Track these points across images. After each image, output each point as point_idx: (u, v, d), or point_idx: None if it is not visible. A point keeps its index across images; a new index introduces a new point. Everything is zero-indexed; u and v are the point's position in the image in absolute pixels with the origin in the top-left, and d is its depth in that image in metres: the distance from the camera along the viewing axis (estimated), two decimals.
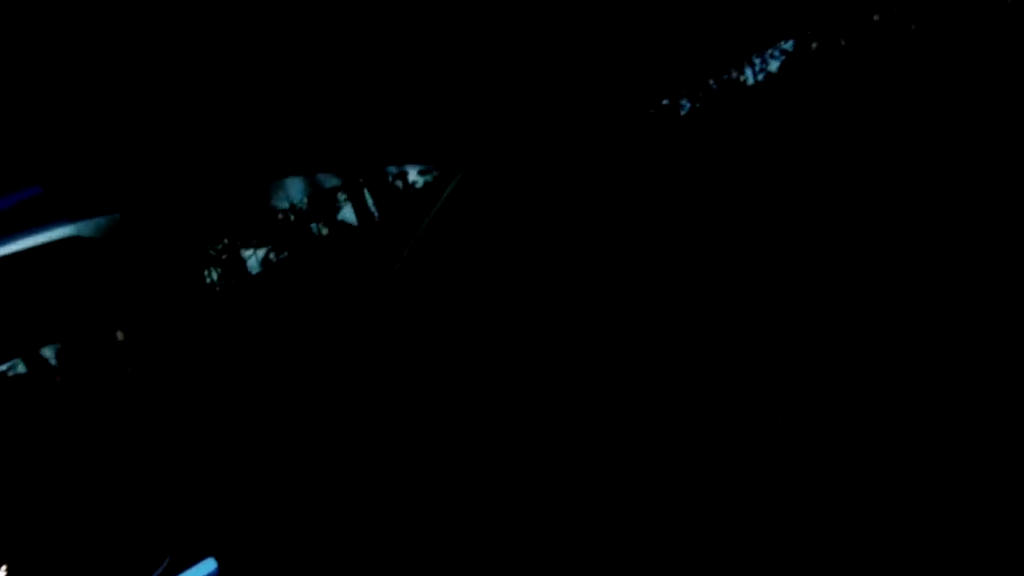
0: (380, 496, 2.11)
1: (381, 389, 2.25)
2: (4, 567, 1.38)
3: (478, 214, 2.47)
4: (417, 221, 2.37)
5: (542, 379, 2.36)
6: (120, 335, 2.23)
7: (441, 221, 2.44)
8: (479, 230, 2.49)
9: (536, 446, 2.17)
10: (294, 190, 4.28)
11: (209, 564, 1.65)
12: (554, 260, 2.52)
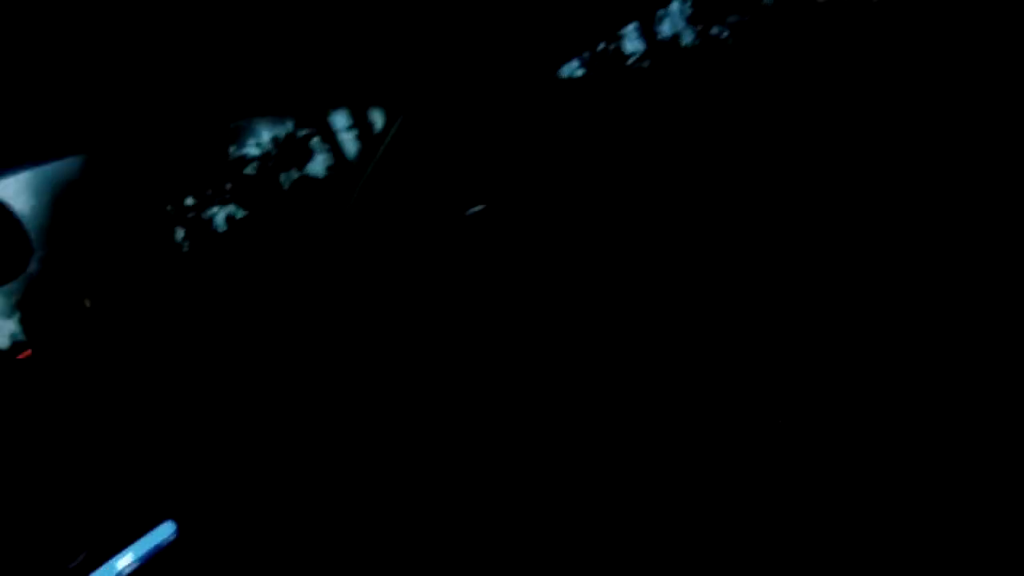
0: (356, 456, 2.05)
1: (348, 345, 2.20)
2: None
3: (423, 154, 2.44)
4: (367, 160, 2.29)
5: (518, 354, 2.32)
6: (87, 302, 2.07)
7: (389, 160, 2.40)
8: (425, 169, 2.46)
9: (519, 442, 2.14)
10: (263, 135, 4.04)
11: (168, 527, 1.59)
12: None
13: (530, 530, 1.85)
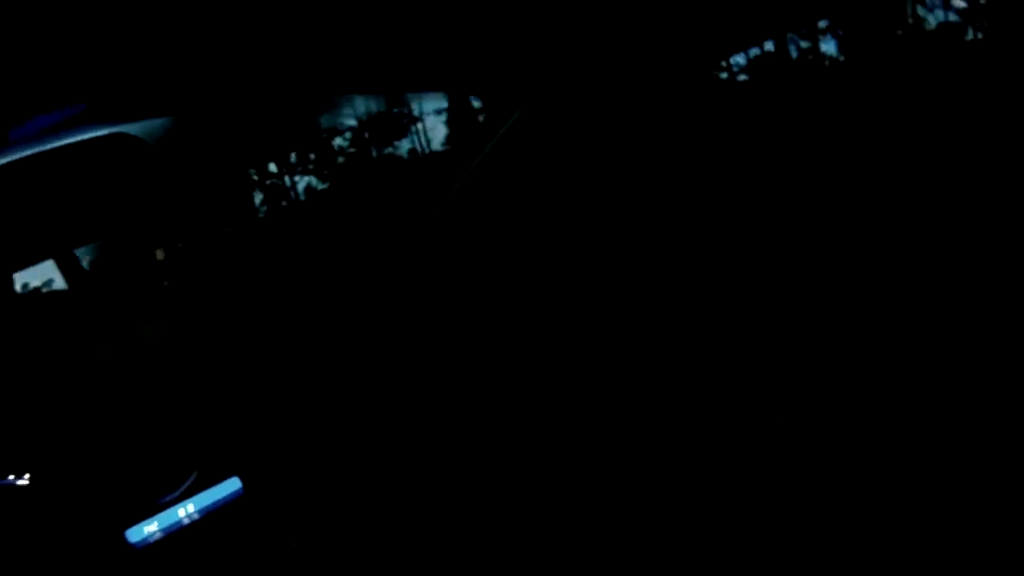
0: (422, 416, 2.03)
1: (422, 315, 2.20)
2: (27, 474, 1.41)
3: (536, 152, 2.41)
4: (474, 154, 2.29)
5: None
6: (160, 254, 2.06)
7: (498, 156, 2.38)
8: (535, 170, 2.43)
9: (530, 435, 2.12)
10: (359, 109, 4.02)
11: (233, 483, 1.62)
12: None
13: (532, 527, 1.86)
